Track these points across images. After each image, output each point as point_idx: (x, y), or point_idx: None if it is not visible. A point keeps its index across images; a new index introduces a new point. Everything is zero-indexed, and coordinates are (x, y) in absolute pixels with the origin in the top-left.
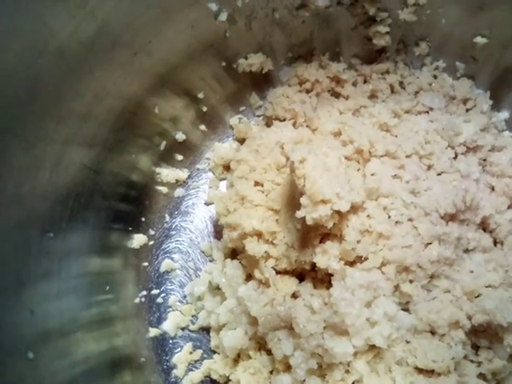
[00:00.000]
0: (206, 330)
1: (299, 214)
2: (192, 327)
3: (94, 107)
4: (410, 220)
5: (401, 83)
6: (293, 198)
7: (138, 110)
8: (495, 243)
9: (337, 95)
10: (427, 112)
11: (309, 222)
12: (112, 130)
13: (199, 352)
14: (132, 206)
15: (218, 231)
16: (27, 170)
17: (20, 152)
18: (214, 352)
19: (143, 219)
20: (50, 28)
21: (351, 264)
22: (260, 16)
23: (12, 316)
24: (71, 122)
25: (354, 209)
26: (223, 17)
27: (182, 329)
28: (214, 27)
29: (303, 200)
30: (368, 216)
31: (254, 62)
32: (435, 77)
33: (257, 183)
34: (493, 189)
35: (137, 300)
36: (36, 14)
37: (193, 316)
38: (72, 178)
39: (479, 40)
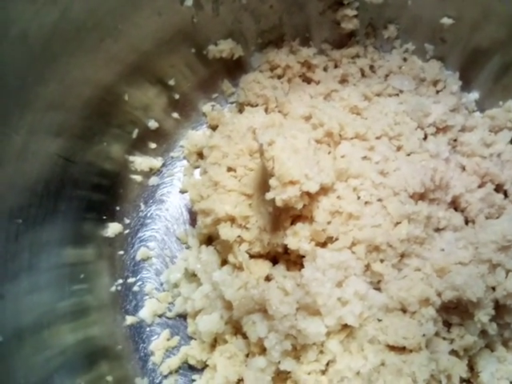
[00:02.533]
0: (183, 316)
1: (268, 195)
2: (169, 314)
3: (61, 94)
4: (380, 200)
5: (371, 67)
6: (264, 182)
7: (107, 97)
8: (466, 222)
9: (308, 80)
10: (397, 95)
11: (278, 203)
12: (81, 117)
13: (176, 338)
14: (106, 194)
15: (193, 218)
16: None
17: None
18: (191, 338)
19: (118, 208)
20: (8, 13)
21: (322, 245)
22: (227, 1)
23: None
24: (37, 109)
25: (324, 190)
26: (189, 2)
27: (159, 316)
28: (180, 13)
29: (272, 182)
30: (338, 197)
31: (224, 48)
32: (405, 59)
33: (230, 169)
34: (463, 168)
35: (113, 289)
36: None
37: (170, 303)
38: (40, 166)
39: (446, 21)
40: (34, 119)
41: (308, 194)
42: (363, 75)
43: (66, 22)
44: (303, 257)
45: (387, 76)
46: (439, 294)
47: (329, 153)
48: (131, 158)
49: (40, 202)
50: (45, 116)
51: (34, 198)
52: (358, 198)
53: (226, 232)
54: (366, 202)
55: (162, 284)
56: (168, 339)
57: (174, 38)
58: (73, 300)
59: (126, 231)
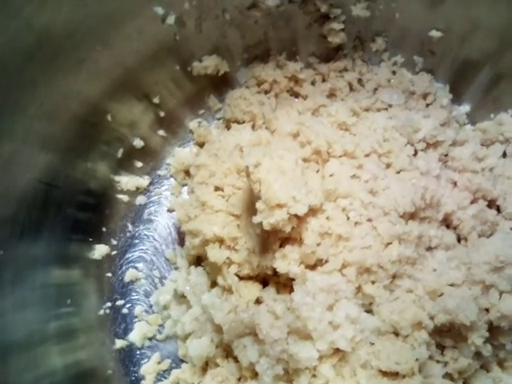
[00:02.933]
0: (173, 338)
1: (256, 219)
2: (159, 337)
3: (40, 118)
4: (369, 220)
5: (359, 80)
6: (252, 203)
7: (91, 116)
8: (459, 239)
9: (296, 95)
10: (386, 109)
11: (266, 227)
12: (64, 136)
13: (167, 362)
14: (91, 215)
15: (181, 238)
16: None
17: None
18: (183, 361)
19: (104, 229)
20: None
21: (312, 267)
22: (210, 17)
23: None
24: (17, 137)
25: (313, 211)
26: (171, 20)
27: (149, 339)
28: (162, 31)
29: (259, 205)
30: (327, 218)
31: (209, 64)
32: (394, 72)
33: (217, 188)
34: (455, 184)
35: (101, 312)
36: None
37: (159, 325)
38: (22, 193)
39: (434, 33)
40: (11, 150)
41: (296, 216)
42: (351, 89)
43: (42, 46)
44: (293, 279)
45: (376, 89)
46: (432, 318)
47: (317, 171)
48: (117, 178)
49: (21, 230)
50: (21, 145)
51: (17, 225)
52: (348, 218)
53: (215, 254)
54: (356, 223)
55: (151, 306)
56: (159, 362)
57: (156, 55)
58: (60, 322)
59: (114, 252)
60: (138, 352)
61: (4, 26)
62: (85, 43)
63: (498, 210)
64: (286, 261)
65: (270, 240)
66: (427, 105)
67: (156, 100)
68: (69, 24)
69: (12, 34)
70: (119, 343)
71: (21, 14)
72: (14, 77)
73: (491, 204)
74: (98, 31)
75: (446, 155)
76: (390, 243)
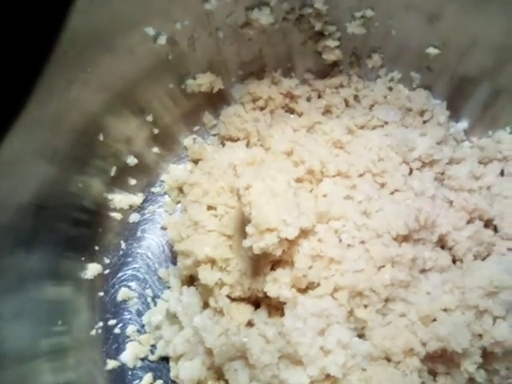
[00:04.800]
0: (165, 359)
1: (246, 243)
2: (151, 357)
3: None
4: (362, 243)
5: (355, 97)
6: (244, 224)
7: (88, 131)
8: (454, 261)
9: (291, 111)
10: (382, 126)
11: (255, 251)
12: (61, 150)
13: (159, 382)
14: (84, 233)
15: (175, 256)
16: None
17: None
18: (175, 382)
19: (97, 248)
20: None
21: (304, 290)
22: (203, 36)
23: None
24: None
25: (305, 233)
26: (162, 40)
27: (142, 359)
28: (154, 51)
29: (249, 229)
30: (319, 240)
31: (203, 81)
32: (390, 89)
33: (210, 207)
34: (451, 203)
35: (93, 332)
36: None
37: (152, 346)
38: (17, 202)
39: (431, 51)
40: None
41: (287, 239)
42: (347, 105)
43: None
44: (284, 302)
45: (372, 106)
46: (424, 344)
47: (310, 191)
48: (110, 196)
49: (14, 239)
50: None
51: (10, 235)
52: (340, 240)
53: (206, 276)
54: (348, 245)
55: (143, 326)
56: (151, 383)
57: (150, 73)
58: (51, 339)
59: (106, 271)
60: (129, 373)
61: None
62: (74, 65)
63: (495, 229)
64: (276, 284)
65: (261, 263)
66: (424, 122)
67: (149, 118)
68: (56, 48)
69: None
70: (111, 364)
71: None
72: None
73: (488, 224)
74: (88, 53)
75: (443, 173)
76: (383, 266)
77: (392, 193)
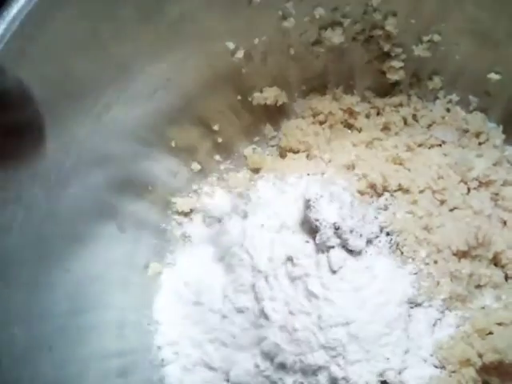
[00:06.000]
0: None
1: None
2: None
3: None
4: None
5: (414, 116)
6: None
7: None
8: (506, 278)
9: (349, 126)
10: (440, 145)
11: None
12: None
13: None
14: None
15: None
16: None
17: None
18: None
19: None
20: None
21: None
22: (276, 52)
23: None
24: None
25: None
26: (240, 54)
27: None
28: (231, 64)
29: None
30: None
31: (269, 95)
32: (448, 110)
33: None
34: (505, 223)
35: None
36: None
37: None
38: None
39: (493, 76)
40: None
41: None
42: (406, 124)
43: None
44: None
45: (430, 126)
46: (480, 355)
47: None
48: (173, 199)
49: None
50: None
51: None
52: (402, 253)
53: None
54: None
55: None
56: None
57: (223, 86)
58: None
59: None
60: None
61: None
62: (161, 72)
63: None
64: None
65: None
66: (479, 143)
67: (216, 127)
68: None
69: None
70: None
71: None
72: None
73: None
74: (171, 65)
75: (497, 194)
76: (442, 280)
77: (451, 210)
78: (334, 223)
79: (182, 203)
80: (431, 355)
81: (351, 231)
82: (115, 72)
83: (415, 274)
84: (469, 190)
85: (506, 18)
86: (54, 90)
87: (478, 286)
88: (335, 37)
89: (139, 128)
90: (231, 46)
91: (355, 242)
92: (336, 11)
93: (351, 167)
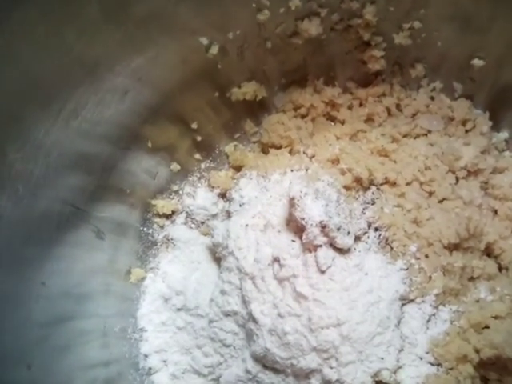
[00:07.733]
0: None
1: None
2: None
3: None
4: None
5: (397, 106)
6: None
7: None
8: (500, 269)
9: (332, 119)
10: (426, 135)
11: None
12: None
13: None
14: None
15: None
16: None
17: None
18: None
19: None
20: None
21: None
22: (252, 46)
23: None
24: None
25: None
26: (214, 50)
27: None
28: (205, 60)
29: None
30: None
31: (248, 90)
32: (432, 98)
33: None
34: (495, 212)
35: None
36: None
37: None
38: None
39: (477, 62)
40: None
41: None
42: (389, 114)
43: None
44: None
45: (414, 115)
46: (477, 351)
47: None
48: (154, 202)
49: None
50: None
51: None
52: (391, 248)
53: None
54: (399, 253)
55: None
56: None
57: (198, 83)
58: None
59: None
60: None
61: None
62: (128, 78)
63: None
64: None
65: None
66: (466, 131)
67: (194, 125)
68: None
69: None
70: None
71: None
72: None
73: None
74: (141, 65)
75: (486, 183)
76: (434, 274)
77: (440, 201)
78: (321, 221)
79: (162, 205)
80: (427, 353)
81: (338, 229)
82: (82, 74)
83: (406, 269)
84: (457, 179)
85: (487, 1)
86: (13, 96)
87: (472, 279)
88: (313, 28)
89: (112, 130)
90: (205, 41)
91: (343, 240)
92: (312, 1)
93: (336, 161)
